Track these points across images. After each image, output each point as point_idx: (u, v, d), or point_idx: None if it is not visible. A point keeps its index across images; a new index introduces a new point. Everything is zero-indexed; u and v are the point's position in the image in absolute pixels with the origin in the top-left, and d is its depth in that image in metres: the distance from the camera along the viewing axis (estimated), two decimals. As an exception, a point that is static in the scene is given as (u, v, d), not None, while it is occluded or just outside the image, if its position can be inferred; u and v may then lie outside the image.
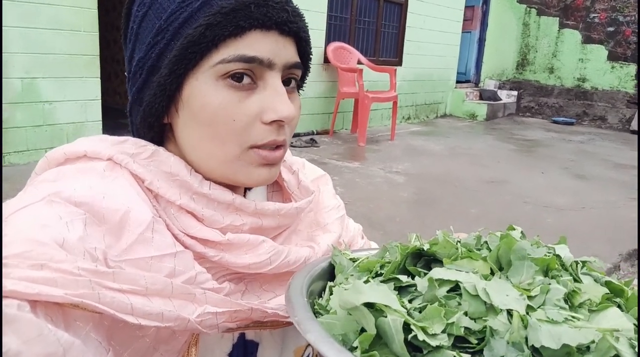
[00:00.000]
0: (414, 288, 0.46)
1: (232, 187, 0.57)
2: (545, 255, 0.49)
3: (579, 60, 8.45)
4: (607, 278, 0.49)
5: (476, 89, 8.63)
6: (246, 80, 0.51)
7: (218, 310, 0.48)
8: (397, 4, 6.69)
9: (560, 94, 8.54)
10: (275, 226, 0.59)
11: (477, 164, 4.84)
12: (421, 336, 0.37)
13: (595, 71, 8.28)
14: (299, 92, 0.59)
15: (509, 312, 0.40)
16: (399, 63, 6.77)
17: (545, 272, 0.48)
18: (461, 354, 0.38)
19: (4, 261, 0.38)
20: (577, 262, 0.51)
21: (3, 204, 0.46)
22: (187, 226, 0.53)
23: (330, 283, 0.52)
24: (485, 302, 0.41)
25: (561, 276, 0.48)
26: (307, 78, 0.61)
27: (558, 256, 0.50)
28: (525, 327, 0.39)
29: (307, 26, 0.57)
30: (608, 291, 0.46)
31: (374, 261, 0.52)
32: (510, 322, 0.40)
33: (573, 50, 8.48)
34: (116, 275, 0.42)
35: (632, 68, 7.93)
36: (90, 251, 0.43)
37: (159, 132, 0.57)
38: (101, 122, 4.03)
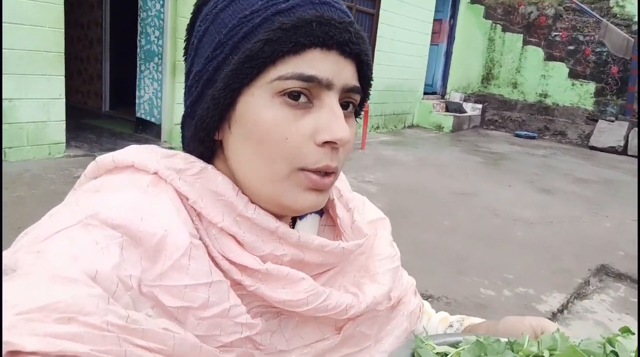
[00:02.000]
0: None
1: (279, 217, 0.54)
2: None
3: (542, 77, 8.73)
4: None
5: (442, 100, 8.78)
6: (302, 99, 0.50)
7: None
8: (369, 14, 6.73)
9: (523, 108, 8.79)
10: (319, 263, 0.55)
11: (446, 175, 4.89)
12: None
13: (556, 88, 8.57)
14: (356, 118, 0.57)
15: None
16: (370, 73, 6.81)
17: None
18: None
19: (29, 315, 0.37)
20: None
21: (41, 220, 0.46)
22: (228, 249, 0.50)
23: None
24: None
25: None
26: (366, 104, 0.58)
27: None
28: None
29: (370, 50, 0.54)
30: None
31: None
32: None
33: (536, 67, 8.76)
34: (145, 333, 0.41)
35: (592, 86, 8.24)
36: (124, 279, 0.42)
37: (210, 148, 0.55)
38: (64, 122, 3.86)
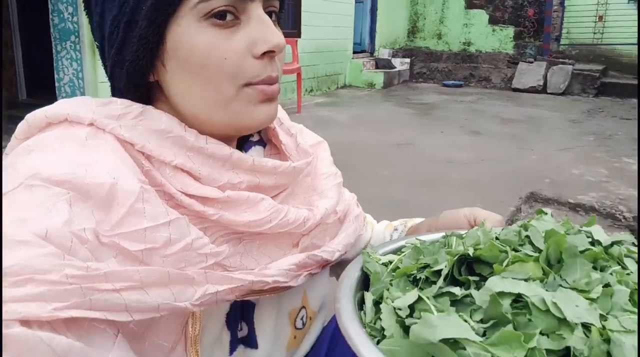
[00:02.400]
0: (468, 297, 0.45)
1: (229, 144, 0.55)
2: (589, 243, 0.49)
3: (464, 25, 8.98)
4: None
5: (372, 58, 8.86)
6: (229, 17, 0.50)
7: (219, 289, 0.47)
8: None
9: (449, 58, 9.04)
10: (273, 185, 0.58)
11: (382, 130, 5.02)
12: None
13: (478, 35, 8.86)
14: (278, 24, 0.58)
15: (584, 325, 0.39)
16: (298, 35, 6.76)
17: (594, 260, 0.48)
18: None
19: None
20: (613, 243, 0.51)
21: None
22: (185, 184, 0.51)
23: (368, 294, 0.50)
24: (555, 317, 0.40)
25: (610, 266, 0.48)
26: (284, 12, 0.60)
27: (598, 242, 0.50)
28: (605, 341, 0.38)
29: None
30: None
31: (411, 267, 0.51)
32: (587, 336, 0.39)
33: (458, 16, 8.99)
34: (108, 275, 0.40)
35: (511, 30, 8.58)
36: (78, 233, 0.41)
37: (146, 93, 0.54)
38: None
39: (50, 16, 4.71)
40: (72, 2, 4.54)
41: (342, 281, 0.53)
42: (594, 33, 8.61)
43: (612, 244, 0.51)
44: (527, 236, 0.52)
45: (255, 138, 0.65)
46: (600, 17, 8.51)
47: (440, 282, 0.47)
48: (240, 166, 0.54)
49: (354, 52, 8.54)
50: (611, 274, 0.46)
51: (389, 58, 9.04)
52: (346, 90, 7.95)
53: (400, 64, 9.07)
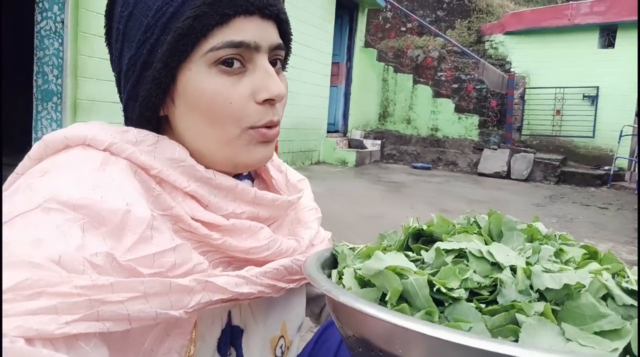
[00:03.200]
0: (421, 262, 0.50)
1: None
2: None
3: (432, 112, 9.46)
4: (582, 243, 0.57)
5: (345, 138, 9.18)
6: (236, 64, 0.54)
7: (213, 298, 0.50)
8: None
9: (418, 142, 9.43)
10: (268, 217, 0.62)
11: (354, 203, 5.12)
12: (444, 290, 0.42)
13: (445, 122, 9.33)
14: (283, 70, 0.63)
15: (512, 268, 0.45)
16: (275, 111, 7.00)
17: (531, 241, 0.54)
18: (478, 302, 0.42)
19: None
20: (554, 234, 0.58)
21: None
22: (194, 210, 0.54)
23: (335, 270, 0.55)
24: (489, 262, 0.46)
25: (545, 242, 0.54)
26: (289, 58, 0.65)
27: (537, 229, 0.57)
28: (528, 277, 0.44)
29: (285, 9, 0.61)
30: (586, 252, 0.53)
31: (374, 247, 0.55)
32: (514, 276, 0.45)
33: (426, 104, 9.49)
34: (115, 285, 0.42)
35: (475, 119, 9.08)
36: (90, 258, 0.42)
37: (156, 126, 0.58)
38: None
39: (35, 77, 4.80)
40: (58, 66, 4.67)
41: (309, 255, 0.59)
42: (553, 125, 9.21)
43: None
44: (475, 221, 0.60)
45: (245, 172, 0.68)
46: (558, 111, 9.14)
47: (395, 249, 0.53)
48: (243, 198, 0.58)
49: (328, 132, 8.85)
50: (541, 244, 0.53)
51: (361, 139, 9.37)
52: (320, 166, 8.14)
53: (372, 145, 9.40)
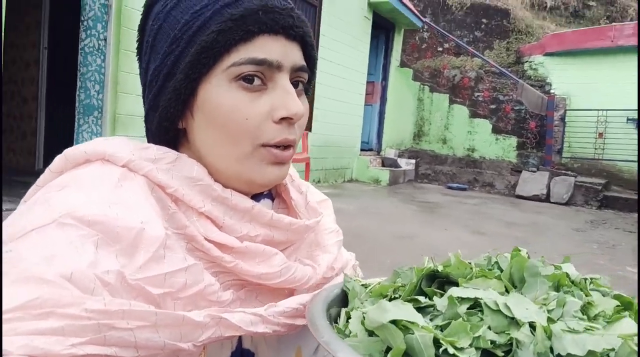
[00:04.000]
0: (433, 308, 0.46)
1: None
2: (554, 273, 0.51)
3: (468, 133, 9.33)
4: (615, 292, 0.51)
5: (378, 156, 9.14)
6: (257, 81, 0.54)
7: (224, 334, 0.49)
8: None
9: (453, 162, 9.29)
10: (284, 240, 0.60)
11: (386, 221, 5.05)
12: (451, 350, 0.38)
13: (482, 142, 9.18)
14: (306, 95, 0.62)
15: (531, 325, 0.41)
16: (309, 128, 7.04)
17: (557, 289, 0.49)
18: None
19: (8, 315, 0.37)
20: (585, 279, 0.53)
21: (13, 215, 0.47)
22: (208, 230, 0.53)
23: (344, 309, 0.52)
24: (506, 317, 0.42)
25: (572, 291, 0.49)
26: (313, 82, 0.64)
27: (566, 273, 0.52)
28: (549, 337, 0.40)
29: (312, 33, 0.60)
30: (619, 304, 0.48)
31: (387, 286, 0.53)
32: (533, 334, 0.40)
33: (462, 124, 9.37)
34: (126, 313, 0.42)
35: (513, 140, 8.89)
36: (101, 276, 0.42)
37: (174, 138, 0.58)
38: (-4, 174, 3.72)
39: (77, 92, 4.97)
40: (100, 81, 4.82)
41: (316, 294, 0.55)
42: (595, 148, 8.90)
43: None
44: (496, 262, 0.55)
45: (265, 191, 0.67)
46: (601, 134, 8.84)
47: (407, 292, 0.49)
48: (259, 220, 0.57)
49: (362, 150, 8.83)
50: (568, 293, 0.47)
51: (395, 158, 9.31)
52: (352, 184, 8.10)
53: (406, 164, 9.31)
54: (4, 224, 0.46)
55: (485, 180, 8.84)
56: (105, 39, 4.69)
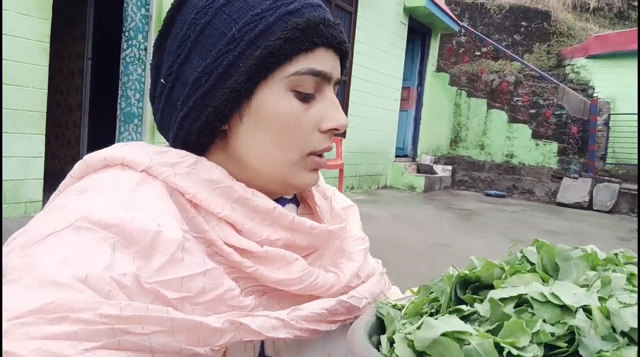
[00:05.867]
0: (477, 315, 0.44)
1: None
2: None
3: (507, 138, 9.14)
4: None
5: (413, 163, 9.05)
6: (310, 92, 0.56)
7: (244, 338, 0.48)
8: (342, 80, 7.05)
9: (491, 168, 9.11)
10: (306, 245, 0.60)
11: (421, 229, 4.99)
12: (514, 352, 0.36)
13: (521, 148, 8.97)
14: None
15: (585, 309, 0.39)
16: (344, 135, 7.05)
17: (593, 268, 0.47)
18: None
19: (22, 320, 0.37)
20: (615, 254, 0.51)
21: (32, 220, 0.47)
22: (227, 235, 0.53)
23: (384, 336, 0.50)
24: (557, 306, 0.40)
25: (608, 268, 0.47)
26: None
27: (596, 252, 0.50)
28: (607, 317, 0.38)
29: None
30: None
31: (421, 302, 0.51)
32: (590, 318, 0.38)
33: (501, 129, 9.19)
34: (142, 318, 0.41)
35: (554, 146, 8.65)
36: (117, 278, 0.42)
37: (213, 137, 0.58)
38: (42, 180, 3.87)
39: (119, 101, 5.13)
40: (140, 90, 4.96)
41: (354, 325, 0.53)
42: (641, 154, 8.56)
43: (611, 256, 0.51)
44: (524, 256, 0.53)
45: (290, 196, 0.67)
46: (647, 139, 8.50)
47: (445, 304, 0.47)
48: (280, 222, 0.57)
49: (397, 156, 8.76)
50: (607, 270, 0.46)
51: (431, 164, 9.20)
52: (386, 190, 8.05)
53: (442, 171, 9.19)
54: (22, 229, 0.46)
55: (524, 187, 8.63)
56: (145, 49, 4.83)
